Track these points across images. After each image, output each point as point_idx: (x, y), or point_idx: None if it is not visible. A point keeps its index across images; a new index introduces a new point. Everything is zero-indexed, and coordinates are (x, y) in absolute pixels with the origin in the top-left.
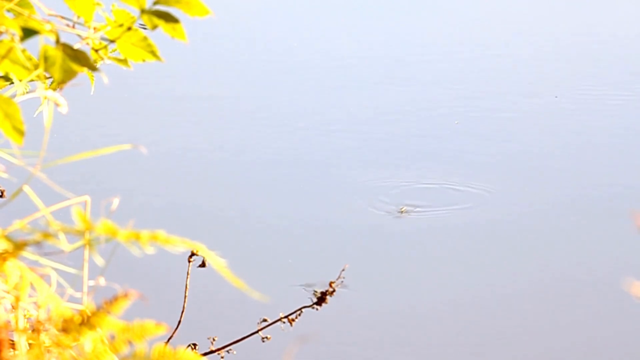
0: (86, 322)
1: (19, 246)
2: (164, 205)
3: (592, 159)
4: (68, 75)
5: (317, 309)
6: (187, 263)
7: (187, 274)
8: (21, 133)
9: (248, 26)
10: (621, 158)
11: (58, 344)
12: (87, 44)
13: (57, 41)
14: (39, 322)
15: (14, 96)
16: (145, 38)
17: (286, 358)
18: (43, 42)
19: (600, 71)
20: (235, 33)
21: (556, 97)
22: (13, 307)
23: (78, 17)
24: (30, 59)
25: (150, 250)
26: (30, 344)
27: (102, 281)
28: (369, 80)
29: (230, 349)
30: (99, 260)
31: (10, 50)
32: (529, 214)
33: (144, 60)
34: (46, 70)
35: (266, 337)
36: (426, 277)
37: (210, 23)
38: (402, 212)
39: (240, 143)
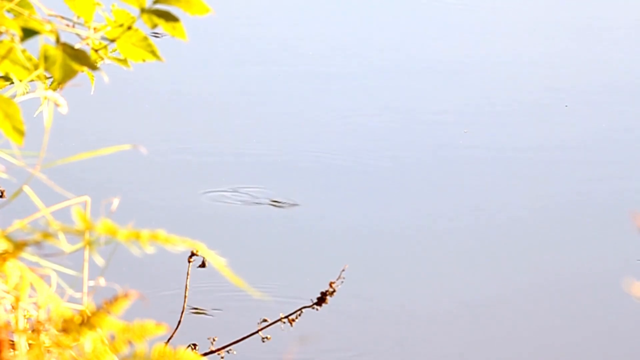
0: (86, 322)
1: (19, 246)
2: (164, 205)
3: (593, 157)
4: (68, 75)
5: (317, 309)
6: (187, 263)
7: (187, 274)
8: (21, 133)
9: (249, 26)
10: (622, 158)
11: (58, 344)
12: (87, 43)
13: (57, 41)
14: (39, 322)
15: (14, 96)
16: (145, 38)
17: (286, 358)
18: (43, 42)
19: (604, 72)
20: (236, 33)
21: (566, 106)
22: (13, 308)
23: (78, 17)
24: (30, 59)
25: (150, 250)
26: (30, 345)
27: (102, 281)
28: (374, 83)
29: (230, 349)
30: (99, 261)
31: (10, 50)
32: (527, 213)
33: (144, 60)
34: (46, 70)
35: (266, 337)
36: (426, 276)
37: (211, 23)
38: None
39: (241, 144)
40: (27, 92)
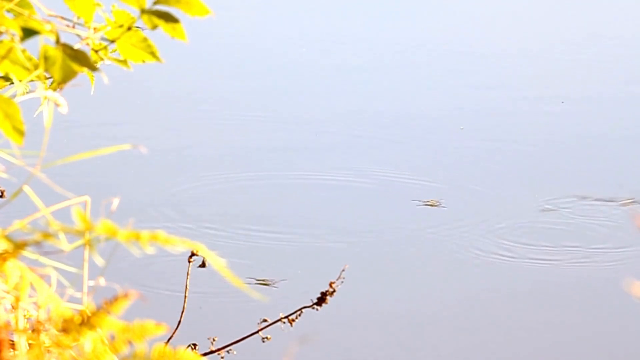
0: (86, 322)
1: (19, 246)
2: (165, 205)
3: (593, 158)
4: (68, 76)
5: (317, 309)
6: (187, 263)
7: (187, 274)
8: (21, 133)
9: (249, 26)
10: (622, 161)
11: (58, 344)
12: (87, 44)
13: (57, 41)
14: (39, 322)
15: (14, 96)
16: (145, 39)
17: (286, 358)
18: (43, 42)
19: (602, 72)
20: (236, 32)
21: (562, 102)
22: (13, 307)
23: (78, 17)
24: (30, 59)
25: (150, 250)
26: (30, 344)
27: (102, 281)
28: (372, 82)
29: (230, 349)
30: (99, 260)
31: (10, 50)
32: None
33: (143, 61)
34: (46, 70)
35: (266, 337)
36: (428, 277)
37: (211, 23)
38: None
39: (240, 144)
40: (27, 92)
